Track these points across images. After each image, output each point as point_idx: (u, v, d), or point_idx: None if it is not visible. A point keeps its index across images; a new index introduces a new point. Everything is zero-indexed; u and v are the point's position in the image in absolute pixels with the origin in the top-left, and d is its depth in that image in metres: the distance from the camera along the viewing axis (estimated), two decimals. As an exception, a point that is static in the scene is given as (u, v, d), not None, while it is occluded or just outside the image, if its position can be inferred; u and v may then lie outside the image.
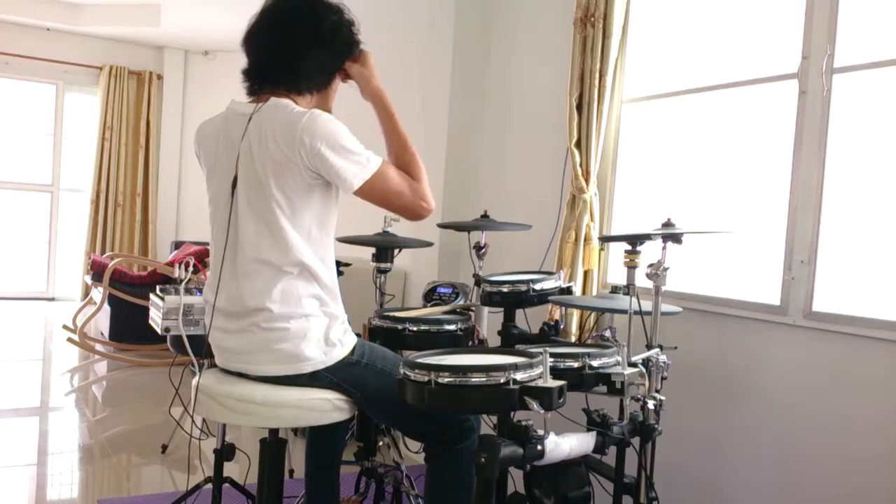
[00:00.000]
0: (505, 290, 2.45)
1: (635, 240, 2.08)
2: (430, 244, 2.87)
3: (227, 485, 2.61)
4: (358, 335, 1.99)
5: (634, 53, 3.05)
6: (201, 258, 5.41)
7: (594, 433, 1.85)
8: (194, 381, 1.94)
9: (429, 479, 1.98)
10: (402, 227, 2.80)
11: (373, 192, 1.84)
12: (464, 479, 1.93)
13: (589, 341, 2.71)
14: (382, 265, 2.72)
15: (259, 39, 1.91)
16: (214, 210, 1.96)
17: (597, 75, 2.93)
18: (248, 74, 1.93)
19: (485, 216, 2.81)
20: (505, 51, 3.69)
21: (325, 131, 1.76)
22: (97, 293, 5.85)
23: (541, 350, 1.65)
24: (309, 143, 1.75)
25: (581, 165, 2.99)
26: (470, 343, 2.42)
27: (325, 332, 1.86)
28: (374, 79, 1.98)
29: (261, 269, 1.83)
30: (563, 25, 3.21)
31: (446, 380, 1.57)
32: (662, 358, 1.94)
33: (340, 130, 1.79)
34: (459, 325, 2.38)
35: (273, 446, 1.97)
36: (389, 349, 2.05)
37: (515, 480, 2.06)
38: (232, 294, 1.87)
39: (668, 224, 2.03)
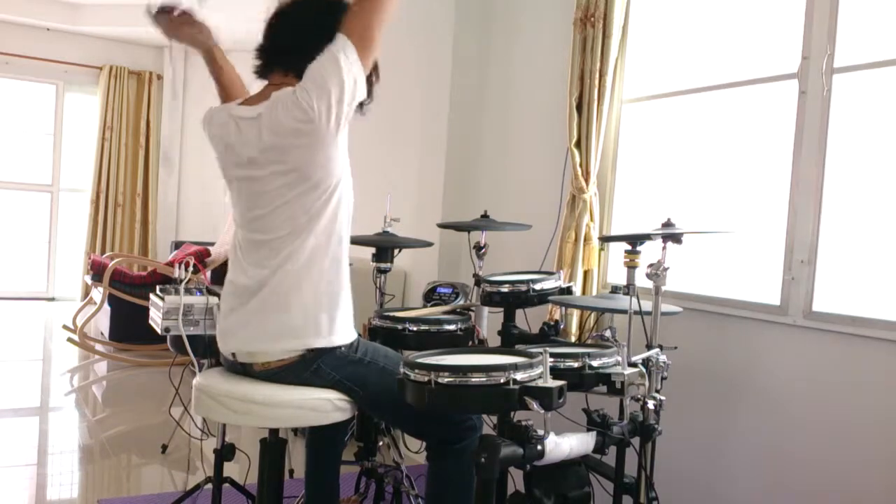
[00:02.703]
0: (505, 290, 2.45)
1: (635, 240, 2.08)
2: (430, 244, 2.87)
3: (227, 485, 2.61)
4: (359, 334, 1.99)
5: (634, 53, 3.06)
6: (201, 258, 5.42)
7: (594, 433, 1.85)
8: (194, 381, 1.94)
9: (430, 478, 1.98)
10: (403, 227, 2.80)
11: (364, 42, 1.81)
12: (465, 479, 1.93)
13: (589, 341, 2.71)
14: (382, 265, 2.72)
15: (283, 19, 1.95)
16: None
17: (597, 75, 2.93)
18: (262, 51, 1.96)
19: (485, 216, 2.81)
20: (505, 51, 3.69)
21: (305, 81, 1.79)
22: (97, 293, 5.85)
23: (541, 350, 1.65)
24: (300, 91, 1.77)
25: (581, 165, 2.99)
26: (470, 343, 2.42)
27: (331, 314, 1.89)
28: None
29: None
30: (563, 25, 3.21)
31: (446, 380, 1.57)
32: (662, 358, 1.94)
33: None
34: (459, 325, 2.38)
35: (273, 446, 1.97)
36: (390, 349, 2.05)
37: (515, 480, 2.06)
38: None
39: (668, 224, 2.03)
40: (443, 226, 2.89)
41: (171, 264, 5.80)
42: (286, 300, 1.84)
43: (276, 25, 1.95)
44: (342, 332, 1.90)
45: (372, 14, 1.80)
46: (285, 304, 1.85)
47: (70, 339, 5.81)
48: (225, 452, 2.53)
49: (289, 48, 1.91)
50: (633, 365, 1.88)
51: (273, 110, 1.80)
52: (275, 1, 1.98)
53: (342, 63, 1.76)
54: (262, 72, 1.96)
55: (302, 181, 1.81)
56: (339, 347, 1.89)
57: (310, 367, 1.86)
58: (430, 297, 3.13)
